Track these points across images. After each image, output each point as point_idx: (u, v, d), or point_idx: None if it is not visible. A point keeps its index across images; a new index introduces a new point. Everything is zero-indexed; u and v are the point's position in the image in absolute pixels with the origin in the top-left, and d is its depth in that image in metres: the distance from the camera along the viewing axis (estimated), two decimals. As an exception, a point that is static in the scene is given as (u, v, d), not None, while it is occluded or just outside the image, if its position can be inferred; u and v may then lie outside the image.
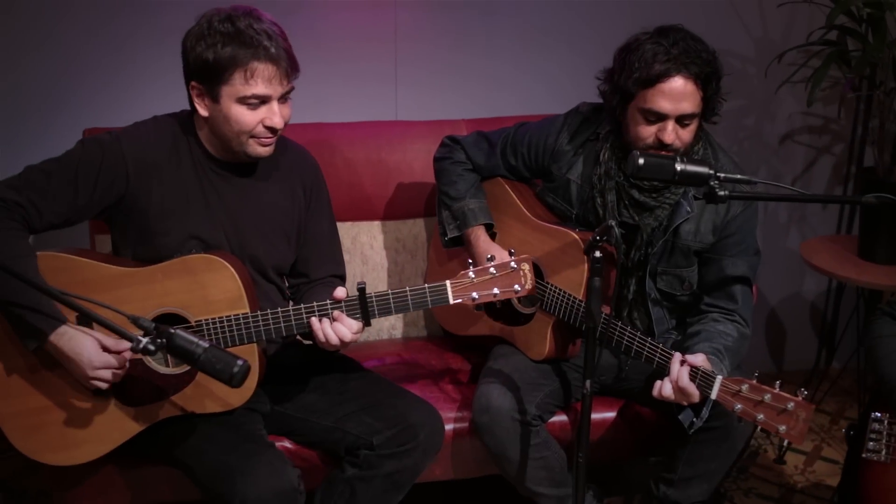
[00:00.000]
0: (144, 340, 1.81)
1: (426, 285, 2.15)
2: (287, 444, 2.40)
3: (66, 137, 2.92)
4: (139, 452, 2.30)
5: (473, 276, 2.14)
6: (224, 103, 2.16)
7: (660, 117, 2.31)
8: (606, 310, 2.46)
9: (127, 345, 2.04)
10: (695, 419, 2.31)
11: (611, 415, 2.61)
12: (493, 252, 2.53)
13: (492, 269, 2.14)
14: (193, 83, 2.17)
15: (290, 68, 2.17)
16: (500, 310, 2.62)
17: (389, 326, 3.04)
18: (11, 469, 3.02)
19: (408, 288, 2.15)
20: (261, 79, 2.12)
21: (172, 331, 1.81)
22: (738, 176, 2.11)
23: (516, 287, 2.14)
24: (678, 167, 2.10)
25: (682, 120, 2.32)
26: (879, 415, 2.08)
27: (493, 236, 2.64)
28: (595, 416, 2.58)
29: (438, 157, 2.74)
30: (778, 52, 3.32)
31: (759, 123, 3.56)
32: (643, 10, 3.25)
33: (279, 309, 2.16)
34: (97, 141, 2.21)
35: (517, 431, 2.39)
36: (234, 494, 2.10)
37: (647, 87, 2.30)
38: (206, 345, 1.82)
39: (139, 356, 2.13)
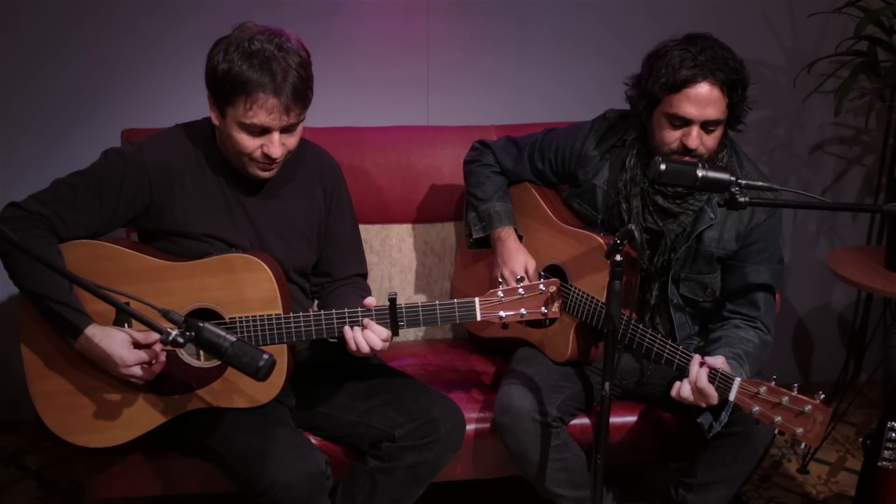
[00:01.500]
0: (174, 333, 1.87)
1: (455, 301, 2.21)
2: (312, 439, 2.44)
3: (105, 137, 3.02)
4: (168, 443, 2.37)
5: (502, 295, 2.19)
6: (228, 122, 2.18)
7: (685, 122, 2.34)
8: (628, 313, 2.49)
9: (156, 337, 2.11)
10: (714, 423, 2.34)
11: (632, 418, 2.64)
12: (522, 254, 2.59)
13: (520, 290, 2.19)
14: (208, 92, 2.22)
15: (294, 103, 2.14)
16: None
17: (415, 328, 3.08)
18: (45, 461, 3.11)
19: (437, 302, 2.21)
20: (262, 110, 2.13)
21: (201, 324, 1.87)
22: (760, 183, 2.14)
23: (543, 309, 2.20)
24: (699, 173, 2.13)
25: (706, 126, 2.35)
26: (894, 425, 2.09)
27: (519, 240, 2.68)
28: (616, 419, 2.62)
29: (468, 160, 2.79)
30: (808, 62, 3.33)
31: (789, 133, 3.57)
32: (673, 19, 3.28)
33: (311, 313, 2.20)
34: (120, 153, 2.26)
35: (537, 432, 2.43)
36: (263, 478, 2.16)
37: (673, 92, 2.33)
38: (233, 339, 1.88)
39: (172, 349, 2.19)
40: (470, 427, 2.52)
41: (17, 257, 2.13)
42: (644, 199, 2.49)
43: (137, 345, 2.14)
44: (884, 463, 2.11)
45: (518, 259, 2.60)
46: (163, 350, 2.16)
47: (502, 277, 2.58)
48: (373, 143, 3.08)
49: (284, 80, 2.11)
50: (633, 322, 2.38)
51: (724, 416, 2.32)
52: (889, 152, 3.53)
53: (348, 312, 2.19)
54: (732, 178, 2.12)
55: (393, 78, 3.26)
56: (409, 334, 3.08)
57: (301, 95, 2.16)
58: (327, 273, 2.49)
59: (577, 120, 2.79)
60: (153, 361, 2.15)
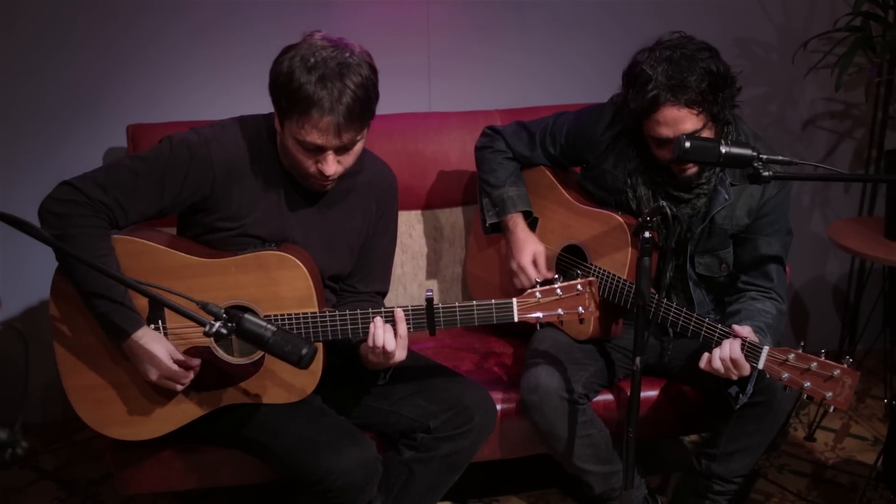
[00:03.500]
0: (217, 325, 1.87)
1: (493, 301, 2.21)
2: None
3: (108, 133, 3.02)
4: (200, 437, 2.38)
5: (540, 295, 2.20)
6: (286, 135, 2.16)
7: (664, 141, 2.36)
8: (651, 290, 2.53)
9: (197, 362, 2.14)
10: (741, 394, 2.38)
11: (653, 393, 2.69)
12: (532, 243, 2.62)
13: (558, 290, 2.20)
14: (271, 97, 2.17)
15: (349, 125, 2.09)
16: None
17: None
18: (59, 461, 3.10)
19: (474, 302, 2.21)
20: (315, 129, 2.09)
21: (242, 315, 1.88)
22: (779, 157, 2.18)
23: (580, 309, 2.21)
24: (723, 150, 2.16)
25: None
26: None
27: (534, 223, 2.71)
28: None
29: (479, 146, 2.82)
30: (800, 39, 3.39)
31: (782, 109, 3.63)
32: (666, 3, 3.33)
33: (347, 312, 2.20)
34: (186, 143, 2.21)
35: (565, 410, 2.47)
36: (319, 467, 2.18)
37: (644, 118, 2.35)
38: (274, 328, 1.89)
39: (207, 344, 2.20)
40: (497, 408, 2.54)
41: (73, 246, 2.09)
42: (654, 187, 2.52)
43: (178, 361, 2.16)
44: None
45: (526, 249, 2.63)
46: (197, 366, 2.18)
47: (512, 270, 2.63)
48: (378, 131, 3.03)
49: (339, 101, 2.06)
50: (658, 298, 2.42)
51: (751, 387, 2.37)
52: (878, 126, 3.60)
53: (384, 311, 2.19)
54: (755, 153, 2.16)
55: (394, 66, 3.24)
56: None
57: (357, 116, 2.10)
58: (353, 284, 2.46)
59: (577, 103, 2.83)
60: (185, 379, 2.17)
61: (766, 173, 2.14)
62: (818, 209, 3.78)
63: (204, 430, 2.33)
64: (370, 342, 2.18)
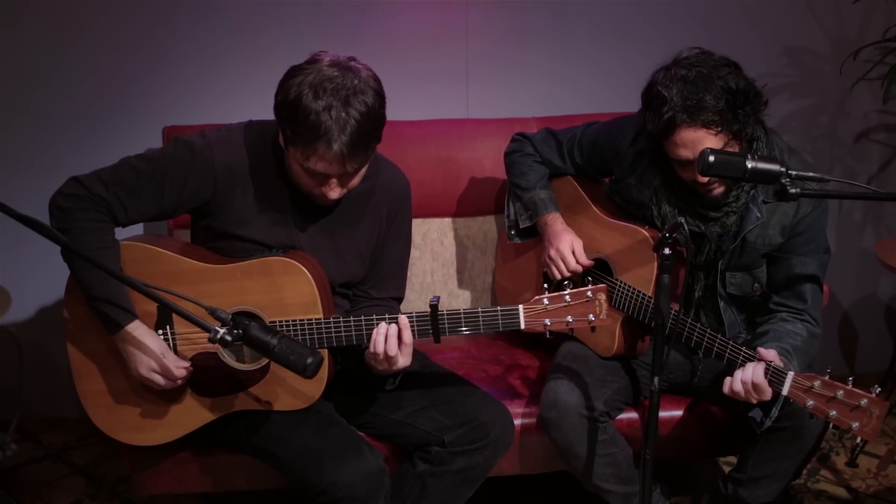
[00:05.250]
0: (222, 331, 1.87)
1: (499, 308, 2.17)
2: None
3: (147, 135, 3.04)
4: (215, 441, 2.38)
5: (548, 302, 2.15)
6: (290, 157, 2.16)
7: (684, 162, 2.29)
8: (675, 307, 2.46)
9: (184, 368, 2.14)
10: (765, 418, 2.30)
11: (679, 413, 2.61)
12: (569, 234, 2.56)
13: (567, 297, 2.14)
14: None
15: (353, 155, 2.08)
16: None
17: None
18: (91, 457, 3.14)
19: (480, 309, 2.18)
20: (320, 160, 2.08)
21: (248, 322, 1.87)
22: (810, 174, 2.09)
23: (591, 317, 2.15)
24: (749, 164, 2.08)
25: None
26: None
27: (562, 232, 2.66)
28: (663, 413, 2.59)
29: (509, 151, 2.79)
30: (853, 48, 3.28)
31: (833, 121, 3.51)
32: (709, 10, 3.25)
33: (352, 318, 2.18)
34: (189, 145, 2.23)
35: (584, 427, 2.41)
36: (322, 478, 2.16)
37: (663, 139, 2.28)
38: (280, 336, 1.87)
39: (214, 350, 2.20)
40: (516, 422, 2.50)
41: (73, 239, 2.12)
42: (681, 203, 2.44)
43: (163, 366, 2.16)
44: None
45: (564, 238, 2.56)
46: (186, 375, 2.18)
47: (549, 258, 2.56)
48: (413, 137, 3.07)
49: (343, 132, 2.04)
50: (680, 316, 2.35)
51: (775, 412, 2.29)
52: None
53: (389, 317, 2.17)
54: (783, 169, 2.07)
55: (432, 71, 3.25)
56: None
57: (362, 147, 2.09)
58: (366, 290, 2.45)
59: (616, 112, 2.76)
60: (176, 378, 2.17)
61: (793, 190, 2.05)
62: (870, 225, 3.65)
63: (216, 436, 2.33)
64: (371, 348, 2.16)
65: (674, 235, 2.06)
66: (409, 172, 2.98)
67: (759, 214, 2.39)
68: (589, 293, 2.13)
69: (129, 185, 2.20)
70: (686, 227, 2.02)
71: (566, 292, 2.13)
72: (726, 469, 3.13)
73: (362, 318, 2.17)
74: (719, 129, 2.22)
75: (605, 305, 2.13)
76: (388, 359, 2.15)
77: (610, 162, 2.60)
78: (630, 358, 2.57)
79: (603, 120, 2.69)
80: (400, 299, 2.50)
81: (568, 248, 2.55)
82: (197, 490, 2.53)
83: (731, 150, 2.26)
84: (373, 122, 2.10)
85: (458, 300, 3.05)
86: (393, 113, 3.09)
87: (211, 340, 1.87)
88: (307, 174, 2.14)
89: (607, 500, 2.54)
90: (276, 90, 2.12)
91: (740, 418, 2.42)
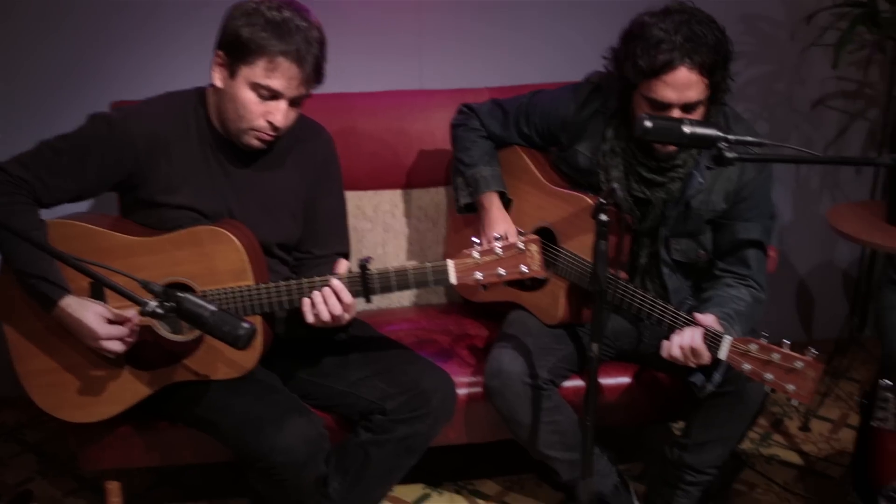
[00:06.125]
0: (153, 304, 1.86)
1: (429, 264, 2.14)
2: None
3: (93, 109, 3.00)
4: (159, 415, 2.38)
5: (478, 255, 2.12)
6: (238, 83, 2.17)
7: (665, 105, 2.27)
8: (623, 275, 2.46)
9: (129, 314, 2.11)
10: (707, 383, 2.31)
11: (626, 380, 2.62)
12: (503, 222, 2.56)
13: (497, 250, 2.10)
14: (219, 52, 2.19)
15: (313, 76, 2.19)
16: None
17: (410, 293, 3.06)
18: (43, 435, 3.13)
19: (409, 266, 2.15)
20: (283, 77, 2.14)
21: (181, 295, 1.86)
22: (748, 138, 2.09)
23: (523, 268, 2.10)
24: (686, 129, 2.08)
25: (687, 107, 2.27)
26: (888, 383, 2.05)
27: (508, 203, 2.65)
28: (611, 380, 2.61)
29: (454, 123, 2.76)
30: (808, 14, 3.27)
31: (790, 88, 3.51)
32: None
33: (281, 282, 2.18)
34: (106, 119, 2.24)
35: (528, 395, 2.41)
36: (261, 444, 2.16)
37: (650, 78, 2.25)
38: (213, 308, 1.86)
39: (148, 323, 2.19)
40: (462, 391, 2.51)
41: None
42: (627, 168, 2.44)
43: (111, 320, 2.14)
44: (877, 422, 2.08)
45: (497, 228, 2.56)
46: (138, 324, 2.15)
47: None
48: (364, 109, 3.05)
49: (308, 52, 2.14)
50: (624, 283, 2.35)
51: (718, 377, 2.30)
52: (893, 105, 3.46)
53: (319, 280, 2.16)
54: (720, 134, 2.07)
55: (385, 44, 3.22)
56: (403, 299, 3.06)
57: (319, 70, 2.20)
58: (309, 249, 2.45)
59: (570, 81, 2.74)
60: (125, 337, 2.14)
61: (730, 155, 2.05)
62: (828, 191, 3.65)
63: (159, 409, 2.32)
64: (312, 319, 2.15)
65: (609, 201, 2.06)
66: (361, 145, 3.00)
67: (701, 180, 2.38)
68: (520, 244, 2.08)
69: (49, 164, 2.19)
70: (620, 193, 2.02)
71: (497, 245, 2.09)
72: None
73: (291, 281, 2.17)
74: (709, 79, 2.24)
75: (538, 257, 2.09)
76: (335, 318, 2.16)
77: (557, 129, 2.59)
78: (576, 326, 2.57)
79: (548, 89, 2.68)
80: (345, 254, 2.50)
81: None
82: (144, 464, 2.53)
83: (703, 108, 2.29)
84: (324, 51, 2.21)
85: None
86: (345, 85, 3.11)
87: (142, 313, 1.86)
88: (256, 98, 2.17)
89: (553, 468, 2.56)
90: (224, 20, 2.18)
91: (686, 384, 2.43)
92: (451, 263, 2.12)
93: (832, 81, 3.51)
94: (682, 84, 2.23)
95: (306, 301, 2.15)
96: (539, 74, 3.18)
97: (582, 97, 2.53)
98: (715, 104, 2.35)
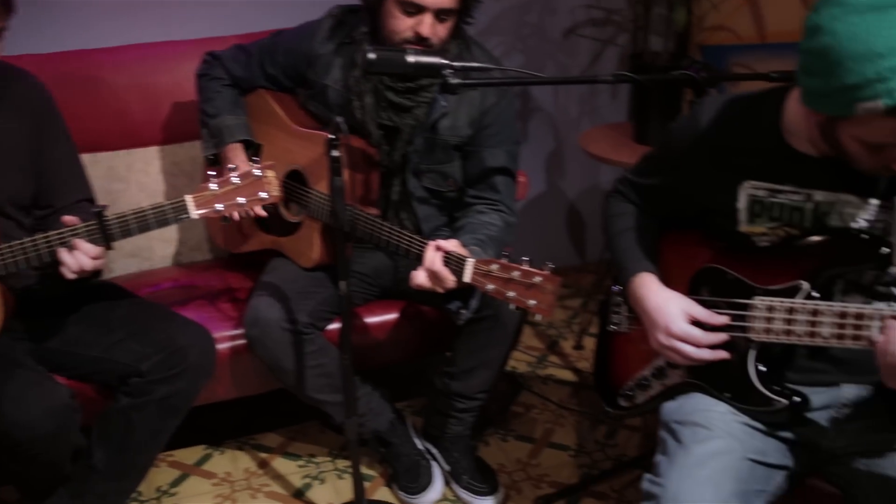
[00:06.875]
0: None
1: (167, 202, 2.09)
2: (58, 380, 2.32)
3: None
4: None
5: (216, 187, 2.08)
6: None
7: (419, 9, 2.28)
8: (374, 210, 2.46)
9: None
10: (463, 309, 2.35)
11: (393, 316, 2.64)
12: (243, 164, 2.49)
13: (234, 179, 2.08)
14: None
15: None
16: (271, 222, 2.59)
17: (174, 253, 2.97)
18: None
19: (147, 206, 2.09)
20: None
21: None
22: (472, 64, 2.12)
23: (262, 194, 2.10)
24: (410, 59, 2.10)
25: (440, 14, 2.30)
26: (619, 288, 2.14)
27: (258, 149, 2.60)
28: (377, 318, 2.63)
29: (199, 73, 2.68)
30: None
31: (542, 18, 3.58)
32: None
33: (13, 242, 2.06)
34: None
35: (289, 341, 2.39)
36: (2, 422, 2.04)
37: None
38: None
39: None
40: (225, 346, 2.47)
41: None
42: (377, 95, 2.44)
43: None
44: (612, 326, 2.17)
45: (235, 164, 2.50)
46: None
47: None
48: (107, 65, 2.91)
49: None
50: (369, 217, 2.35)
51: (474, 303, 2.33)
52: (640, 31, 3.59)
53: (54, 234, 2.06)
54: (443, 61, 2.09)
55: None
56: (168, 259, 2.97)
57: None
58: (49, 203, 2.34)
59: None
60: None
61: (453, 81, 2.07)
62: (587, 117, 3.77)
63: None
64: (70, 275, 2.08)
65: (338, 135, 2.04)
66: (107, 102, 2.87)
67: (444, 103, 2.41)
68: (256, 171, 2.08)
69: None
70: (343, 126, 2.00)
71: (233, 174, 2.07)
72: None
73: (25, 240, 2.06)
74: None
75: (275, 182, 2.09)
76: (88, 272, 2.09)
77: (303, 66, 2.55)
78: (335, 267, 2.55)
79: (291, 28, 2.63)
80: (90, 199, 2.42)
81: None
82: None
83: (452, 20, 2.32)
84: None
85: (169, 229, 2.94)
86: (87, 42, 2.95)
87: None
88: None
89: (326, 411, 2.56)
90: None
91: (446, 312, 2.46)
92: (189, 198, 2.08)
93: (582, 10, 3.61)
94: None
95: (64, 253, 2.07)
96: (287, 20, 3.11)
97: (326, 31, 2.51)
98: (463, 18, 2.38)
